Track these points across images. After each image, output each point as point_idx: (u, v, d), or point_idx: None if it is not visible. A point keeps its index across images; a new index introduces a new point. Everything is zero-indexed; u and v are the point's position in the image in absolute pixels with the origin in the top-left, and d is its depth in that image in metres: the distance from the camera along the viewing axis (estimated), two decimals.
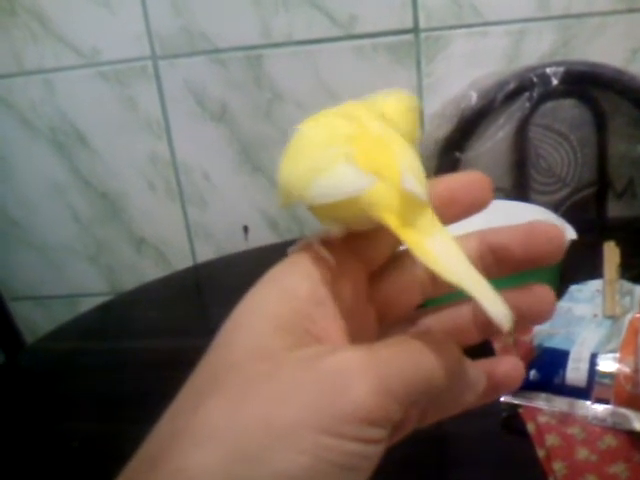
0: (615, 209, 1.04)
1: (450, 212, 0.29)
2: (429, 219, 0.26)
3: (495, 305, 0.24)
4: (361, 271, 0.28)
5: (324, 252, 0.27)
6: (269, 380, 0.23)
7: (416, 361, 0.24)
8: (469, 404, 0.29)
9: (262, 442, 0.21)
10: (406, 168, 0.26)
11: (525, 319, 0.29)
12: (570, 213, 1.00)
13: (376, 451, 0.23)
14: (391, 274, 0.30)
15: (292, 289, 0.26)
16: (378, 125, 0.28)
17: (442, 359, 0.24)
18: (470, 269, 0.25)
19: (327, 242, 0.27)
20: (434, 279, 0.30)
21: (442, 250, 0.25)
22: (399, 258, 0.30)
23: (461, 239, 0.29)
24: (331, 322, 0.26)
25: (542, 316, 0.30)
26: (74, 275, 1.26)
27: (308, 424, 0.21)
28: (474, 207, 0.30)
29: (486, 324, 0.30)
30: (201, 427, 0.22)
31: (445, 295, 0.30)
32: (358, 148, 0.27)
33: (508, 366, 0.29)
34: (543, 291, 0.29)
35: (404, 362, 0.24)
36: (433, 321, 0.30)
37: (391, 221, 0.25)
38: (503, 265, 0.30)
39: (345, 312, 0.27)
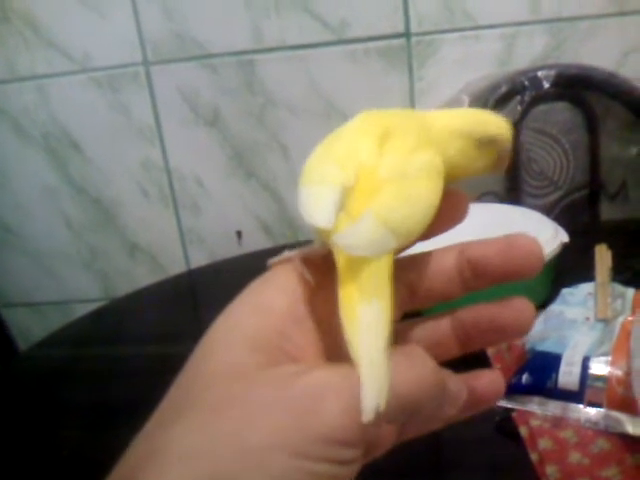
0: (608, 212, 1.04)
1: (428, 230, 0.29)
2: (377, 278, 0.25)
3: (371, 396, 0.22)
4: None
5: (303, 268, 0.27)
6: (241, 401, 0.23)
7: (396, 378, 0.23)
8: (449, 418, 0.29)
9: (232, 466, 0.21)
10: (365, 220, 0.25)
11: (505, 333, 0.30)
12: (563, 216, 1.00)
13: (349, 471, 0.23)
14: None
15: (269, 306, 0.26)
16: (390, 159, 0.28)
17: (419, 375, 0.24)
18: (379, 353, 0.23)
19: (309, 258, 0.27)
20: (413, 294, 0.30)
21: (367, 322, 0.24)
22: None
23: (440, 252, 0.30)
24: (308, 340, 0.26)
25: (522, 330, 0.30)
26: (68, 281, 1.25)
27: (279, 446, 0.21)
28: (451, 223, 0.31)
29: (466, 337, 0.31)
30: (173, 449, 0.22)
31: (447, 304, 0.30)
32: (351, 185, 0.27)
33: (488, 380, 0.30)
34: (522, 304, 0.29)
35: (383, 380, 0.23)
36: (414, 334, 0.30)
37: (340, 264, 0.25)
38: (481, 279, 0.30)
39: (324, 329, 0.26)
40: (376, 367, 0.23)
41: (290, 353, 0.25)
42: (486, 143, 0.31)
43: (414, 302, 0.30)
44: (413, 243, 0.28)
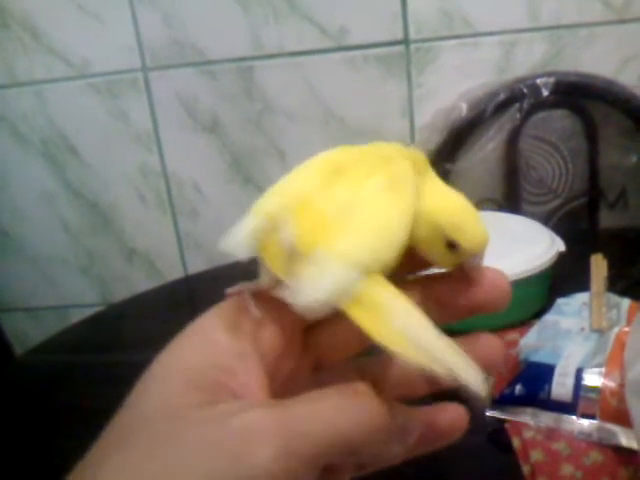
0: (607, 220, 1.04)
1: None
2: (385, 294, 0.25)
3: (471, 375, 0.23)
4: (295, 321, 0.27)
5: (250, 302, 0.26)
6: (174, 441, 0.22)
7: (328, 419, 0.23)
8: (408, 453, 0.28)
9: None
10: (322, 266, 0.25)
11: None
12: (562, 224, 1.00)
13: None
14: (329, 323, 0.28)
15: (213, 341, 0.25)
16: (337, 190, 0.27)
17: (359, 414, 0.23)
18: (438, 340, 0.24)
19: (261, 291, 0.27)
20: None
21: (404, 326, 0.24)
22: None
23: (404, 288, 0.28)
24: (252, 375, 0.25)
25: (489, 367, 0.28)
26: (65, 286, 1.25)
27: None
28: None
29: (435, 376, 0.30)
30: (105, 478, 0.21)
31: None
32: (299, 216, 0.26)
33: (452, 415, 0.28)
34: (490, 340, 0.29)
35: (315, 421, 0.23)
36: (380, 369, 0.29)
37: (354, 317, 0.24)
38: (446, 312, 0.29)
39: (271, 364, 0.26)
40: (453, 358, 0.24)
41: (232, 389, 0.24)
42: (453, 247, 0.28)
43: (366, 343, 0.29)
44: (393, 262, 0.27)
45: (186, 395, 0.23)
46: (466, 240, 0.28)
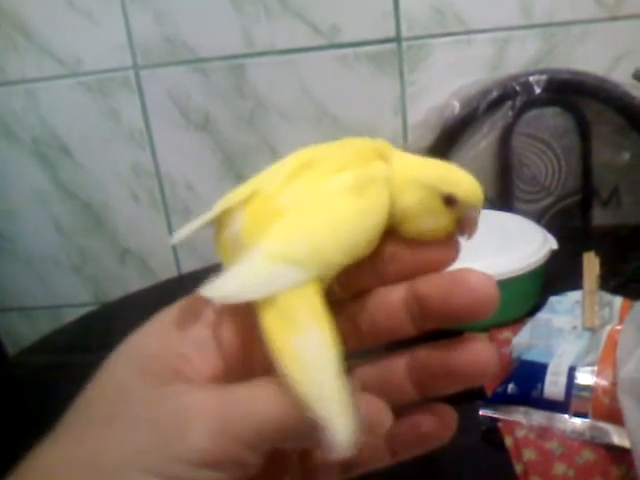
0: (600, 217, 1.04)
1: None
2: (306, 308, 0.24)
3: (340, 427, 0.22)
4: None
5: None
6: (118, 419, 0.23)
7: (267, 402, 0.23)
8: (389, 459, 0.29)
9: None
10: (252, 260, 0.24)
11: (457, 380, 0.28)
12: (555, 221, 1.00)
13: None
14: None
15: (172, 329, 0.25)
16: (297, 186, 0.27)
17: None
18: (330, 386, 0.22)
19: None
20: (357, 330, 0.28)
21: (307, 356, 0.23)
22: None
23: (388, 288, 0.28)
24: (207, 363, 0.25)
25: (476, 379, 0.27)
26: (58, 286, 1.25)
27: (137, 466, 0.21)
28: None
29: (423, 382, 0.28)
30: (39, 466, 0.22)
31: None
32: (252, 209, 0.26)
33: (439, 417, 0.28)
34: (483, 346, 0.27)
35: (256, 405, 0.23)
36: (365, 373, 0.29)
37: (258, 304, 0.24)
38: (428, 318, 0.27)
39: (232, 354, 0.26)
40: (330, 402, 0.22)
41: (185, 375, 0.24)
42: (451, 202, 0.28)
43: (359, 338, 0.28)
44: (341, 265, 0.26)
45: (139, 377, 0.24)
46: (463, 191, 0.28)
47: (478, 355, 0.27)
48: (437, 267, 0.27)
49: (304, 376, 0.22)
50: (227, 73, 1.05)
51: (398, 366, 0.28)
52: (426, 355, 0.28)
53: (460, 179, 0.28)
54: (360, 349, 0.29)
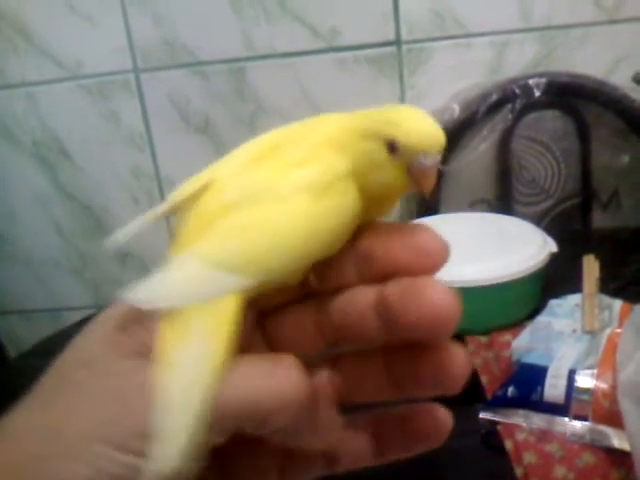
0: (600, 220, 1.04)
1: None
2: (206, 320, 0.23)
3: (166, 454, 0.20)
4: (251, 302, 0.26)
5: None
6: (81, 389, 0.23)
7: (237, 381, 0.22)
8: (382, 458, 0.28)
9: (50, 450, 0.21)
10: (183, 264, 0.23)
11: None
12: (554, 224, 1.00)
13: None
14: (281, 314, 0.27)
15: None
16: (248, 178, 0.25)
17: (275, 384, 0.22)
18: (192, 402, 0.21)
19: None
20: (321, 331, 0.27)
21: (180, 364, 0.22)
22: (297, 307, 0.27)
23: (359, 289, 0.26)
24: None
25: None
26: (58, 289, 1.25)
27: (100, 438, 0.21)
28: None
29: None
30: (6, 430, 0.22)
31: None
32: (202, 202, 0.25)
33: (433, 418, 0.27)
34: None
35: (223, 382, 0.22)
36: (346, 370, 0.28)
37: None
38: (391, 325, 0.25)
39: None
40: (173, 424, 0.21)
41: (152, 349, 0.24)
42: (394, 149, 0.24)
43: (328, 334, 0.27)
44: (284, 274, 0.24)
45: (106, 350, 0.23)
46: (405, 134, 0.24)
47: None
48: (411, 269, 0.24)
49: (166, 386, 0.21)
50: (227, 76, 1.05)
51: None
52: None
53: (403, 120, 0.24)
54: (328, 346, 0.27)
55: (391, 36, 1.00)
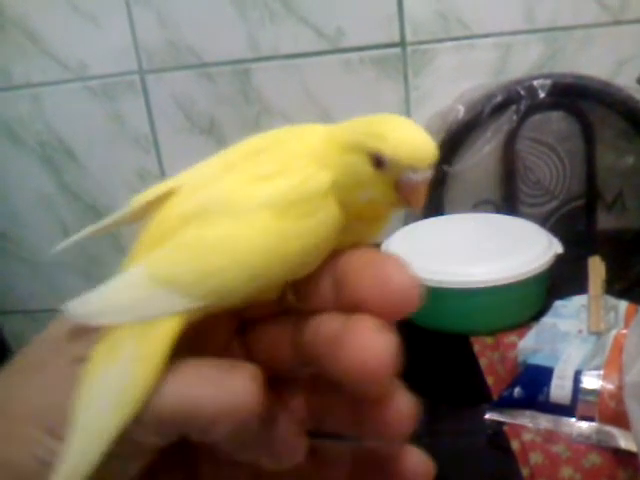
0: (605, 221, 1.04)
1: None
2: (143, 340, 0.21)
3: (67, 467, 0.20)
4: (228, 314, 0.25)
5: None
6: (38, 371, 0.22)
7: (184, 384, 0.21)
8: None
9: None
10: (129, 278, 0.22)
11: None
12: (559, 225, 1.00)
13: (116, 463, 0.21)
14: (259, 328, 0.26)
15: None
16: (211, 190, 0.24)
17: (220, 389, 0.21)
18: (102, 426, 0.20)
19: None
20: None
21: (104, 388, 0.21)
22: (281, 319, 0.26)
23: (331, 315, 0.23)
24: None
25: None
26: (63, 289, 1.25)
27: (42, 424, 0.21)
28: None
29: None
30: None
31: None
32: (162, 211, 0.24)
33: (414, 462, 0.26)
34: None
35: (167, 383, 0.21)
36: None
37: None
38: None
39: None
40: (77, 451, 0.20)
41: None
42: (380, 163, 0.23)
43: (300, 358, 0.25)
44: (238, 296, 0.23)
45: (58, 354, 0.23)
46: (392, 147, 0.22)
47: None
48: (373, 307, 0.22)
49: (81, 405, 0.21)
50: (232, 78, 1.06)
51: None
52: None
53: (390, 132, 0.22)
54: (303, 365, 0.25)
55: (396, 37, 1.00)
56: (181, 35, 1.04)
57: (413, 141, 0.22)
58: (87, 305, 0.22)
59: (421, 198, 0.23)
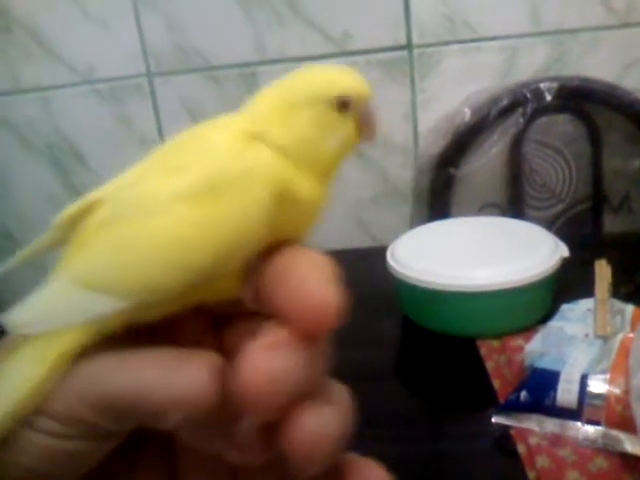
0: (611, 224, 1.04)
1: None
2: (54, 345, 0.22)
3: None
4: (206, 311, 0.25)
5: None
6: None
7: (128, 372, 0.21)
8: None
9: None
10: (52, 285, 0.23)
11: None
12: (565, 229, 1.00)
13: (67, 445, 0.21)
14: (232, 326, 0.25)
15: None
16: (126, 189, 0.24)
17: (175, 376, 0.21)
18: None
19: None
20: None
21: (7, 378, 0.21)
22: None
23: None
24: None
25: None
26: None
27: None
28: None
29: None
30: None
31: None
32: (87, 220, 0.24)
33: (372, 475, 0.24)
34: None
35: (122, 367, 0.21)
36: None
37: None
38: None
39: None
40: None
41: None
42: (345, 105, 0.24)
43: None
44: (169, 292, 0.22)
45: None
46: (352, 88, 0.24)
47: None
48: (290, 319, 0.21)
49: None
50: (239, 81, 1.06)
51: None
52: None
53: (335, 77, 0.25)
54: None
55: (402, 40, 1.01)
56: (188, 38, 1.05)
57: (356, 77, 0.25)
58: (20, 315, 0.23)
59: (379, 126, 0.25)
